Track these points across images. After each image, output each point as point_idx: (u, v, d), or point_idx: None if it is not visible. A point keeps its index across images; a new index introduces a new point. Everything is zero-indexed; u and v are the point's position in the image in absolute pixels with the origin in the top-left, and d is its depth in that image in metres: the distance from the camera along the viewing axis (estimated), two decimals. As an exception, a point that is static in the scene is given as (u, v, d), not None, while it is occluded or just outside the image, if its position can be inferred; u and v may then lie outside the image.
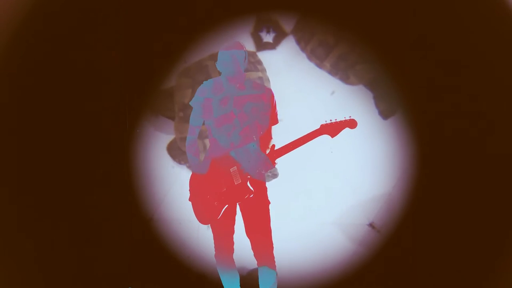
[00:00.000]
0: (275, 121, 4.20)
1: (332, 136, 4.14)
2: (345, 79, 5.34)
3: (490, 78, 5.01)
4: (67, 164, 5.10)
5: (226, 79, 4.15)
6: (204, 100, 4.15)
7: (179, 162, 5.37)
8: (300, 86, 5.38)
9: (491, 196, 5.01)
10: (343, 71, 5.33)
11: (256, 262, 4.20)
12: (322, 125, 4.15)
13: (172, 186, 5.30)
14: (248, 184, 4.12)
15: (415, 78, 5.18)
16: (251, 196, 4.12)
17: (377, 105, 5.34)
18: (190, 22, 5.26)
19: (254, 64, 5.41)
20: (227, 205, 4.13)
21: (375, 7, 5.18)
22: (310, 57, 5.39)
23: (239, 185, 4.11)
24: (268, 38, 5.36)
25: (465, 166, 5.07)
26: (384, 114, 5.33)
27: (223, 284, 4.28)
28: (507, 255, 4.97)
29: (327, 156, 5.22)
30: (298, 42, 5.38)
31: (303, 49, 5.41)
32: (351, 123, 4.13)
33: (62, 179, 5.09)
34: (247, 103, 4.13)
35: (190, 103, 4.19)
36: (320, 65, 5.37)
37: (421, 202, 5.18)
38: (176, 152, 5.42)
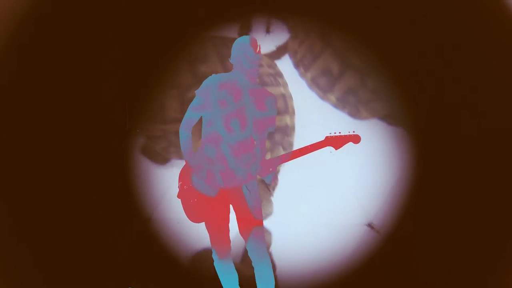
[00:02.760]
0: (272, 126, 4.22)
1: (336, 148, 4.28)
2: (355, 113, 5.31)
3: (490, 79, 5.01)
4: (66, 164, 5.10)
5: (242, 73, 4.12)
6: (210, 90, 4.12)
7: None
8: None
9: (490, 196, 5.02)
10: (353, 105, 5.31)
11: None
12: (327, 137, 4.28)
13: (170, 185, 5.30)
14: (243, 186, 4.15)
15: (414, 78, 5.19)
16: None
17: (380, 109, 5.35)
18: (190, 21, 5.26)
19: (275, 76, 5.35)
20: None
21: (383, 19, 5.16)
22: (311, 86, 5.32)
23: (234, 188, 4.12)
24: (267, 38, 5.36)
25: (464, 167, 5.07)
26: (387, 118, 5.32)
27: (222, 283, 4.29)
28: (507, 255, 4.97)
29: (326, 157, 5.22)
30: (297, 66, 5.30)
31: (302, 75, 5.35)
32: (355, 138, 4.27)
33: (61, 179, 5.10)
34: (258, 98, 4.14)
35: (195, 91, 4.18)
36: (323, 97, 5.32)
37: (419, 202, 5.19)
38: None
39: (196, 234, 5.27)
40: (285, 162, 4.25)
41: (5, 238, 4.94)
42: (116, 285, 5.09)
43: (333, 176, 5.33)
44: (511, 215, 5.00)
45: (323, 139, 4.31)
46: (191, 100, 4.15)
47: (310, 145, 4.26)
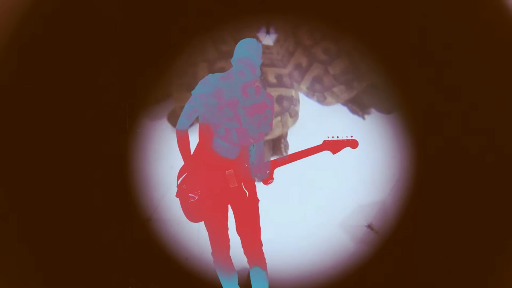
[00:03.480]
0: (270, 127, 4.26)
1: (334, 153, 4.26)
2: (322, 100, 5.44)
3: (490, 81, 5.02)
4: (65, 164, 5.09)
5: (248, 70, 4.14)
6: (209, 83, 4.15)
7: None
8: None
9: (490, 196, 5.02)
10: (319, 92, 5.51)
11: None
12: (324, 141, 4.27)
13: (170, 186, 5.29)
14: (243, 186, 4.16)
15: (413, 80, 5.20)
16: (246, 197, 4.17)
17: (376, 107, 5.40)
18: (190, 22, 5.27)
19: (291, 78, 5.53)
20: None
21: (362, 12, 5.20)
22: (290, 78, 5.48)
23: (234, 188, 4.14)
24: (268, 39, 5.37)
25: (463, 167, 5.08)
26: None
27: (221, 283, 4.29)
28: (507, 255, 4.97)
29: (326, 159, 5.23)
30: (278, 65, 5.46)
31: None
32: (353, 143, 4.26)
33: (61, 179, 5.09)
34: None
35: (192, 92, 4.20)
36: (297, 88, 5.53)
37: (418, 204, 5.20)
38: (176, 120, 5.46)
39: (196, 235, 5.27)
40: (283, 165, 4.26)
41: (5, 239, 4.93)
42: (116, 285, 5.07)
43: (333, 177, 5.34)
44: (511, 215, 5.01)
45: (321, 143, 4.32)
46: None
47: (307, 149, 4.26)
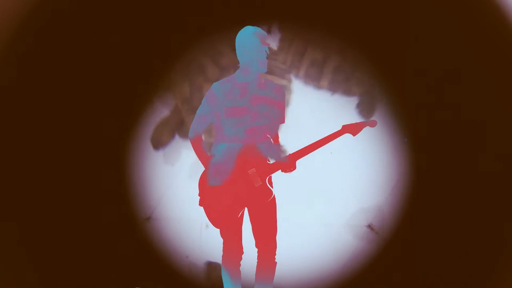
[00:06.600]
0: (282, 121, 4.18)
1: (354, 135, 4.17)
2: (348, 91, 5.36)
3: (488, 84, 5.03)
4: (65, 164, 5.09)
5: (248, 68, 4.05)
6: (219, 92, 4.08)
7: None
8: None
9: (490, 196, 5.03)
10: (343, 83, 5.39)
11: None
12: (343, 126, 4.16)
13: (170, 184, 5.30)
14: (267, 184, 4.07)
15: (413, 81, 5.20)
16: (272, 196, 4.09)
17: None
18: (191, 23, 5.26)
19: (282, 69, 5.41)
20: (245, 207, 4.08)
21: (366, 10, 5.18)
22: (306, 82, 5.39)
23: (259, 186, 4.03)
24: (270, 39, 5.35)
25: (464, 167, 5.09)
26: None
27: (224, 286, 4.26)
28: (507, 256, 4.99)
29: (326, 158, 5.23)
30: (290, 70, 5.39)
31: (297, 75, 5.42)
32: (372, 123, 4.18)
33: (60, 179, 5.08)
34: (262, 104, 4.07)
35: (204, 98, 4.14)
36: (318, 86, 5.39)
37: (420, 203, 5.21)
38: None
39: (199, 235, 5.27)
40: (305, 155, 4.16)
41: (2, 239, 4.92)
42: (115, 285, 5.07)
43: (333, 177, 5.34)
44: (509, 217, 5.02)
45: (339, 128, 4.23)
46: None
47: (328, 136, 4.16)
